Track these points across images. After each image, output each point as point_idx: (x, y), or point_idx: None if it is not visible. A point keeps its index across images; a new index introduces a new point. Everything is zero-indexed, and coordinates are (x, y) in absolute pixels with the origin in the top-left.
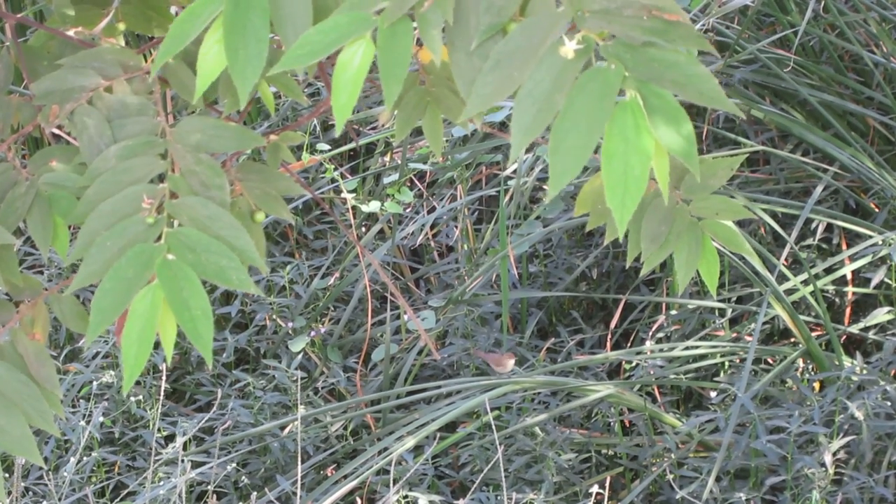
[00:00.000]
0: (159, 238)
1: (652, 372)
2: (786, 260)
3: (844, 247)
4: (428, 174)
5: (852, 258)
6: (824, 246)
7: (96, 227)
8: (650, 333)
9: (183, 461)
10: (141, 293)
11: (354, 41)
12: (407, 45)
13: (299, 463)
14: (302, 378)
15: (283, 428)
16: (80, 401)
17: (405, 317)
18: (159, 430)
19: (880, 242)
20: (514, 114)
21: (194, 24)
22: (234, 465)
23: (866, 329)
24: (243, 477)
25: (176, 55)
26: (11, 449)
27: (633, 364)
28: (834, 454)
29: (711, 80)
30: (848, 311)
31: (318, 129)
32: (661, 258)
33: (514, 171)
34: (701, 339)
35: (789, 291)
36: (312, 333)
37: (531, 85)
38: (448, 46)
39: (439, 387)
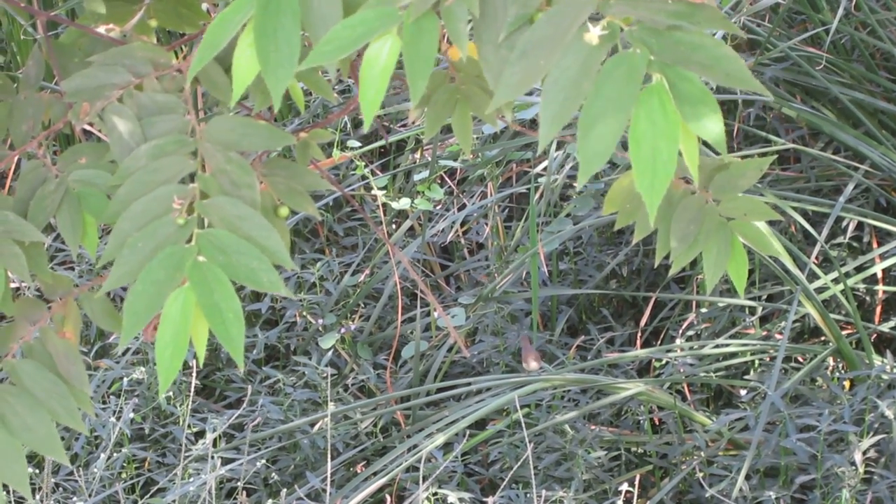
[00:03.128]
0: (190, 239)
1: (682, 370)
2: (816, 258)
3: (875, 245)
4: (458, 171)
5: (883, 256)
6: (855, 244)
7: (128, 229)
8: (680, 331)
9: (213, 458)
10: (172, 296)
11: (381, 36)
12: (432, 40)
13: (329, 460)
14: (332, 375)
15: (312, 425)
16: (111, 397)
17: (435, 314)
18: (189, 426)
19: None
20: (542, 102)
21: (226, 29)
22: (263, 461)
23: None
24: (273, 473)
25: None
26: (37, 447)
27: (663, 362)
28: (864, 453)
29: (738, 62)
30: (878, 309)
31: (348, 126)
32: (689, 258)
33: (545, 169)
34: (731, 337)
35: (820, 290)
36: (342, 330)
37: (558, 73)
38: (475, 40)
39: (469, 384)
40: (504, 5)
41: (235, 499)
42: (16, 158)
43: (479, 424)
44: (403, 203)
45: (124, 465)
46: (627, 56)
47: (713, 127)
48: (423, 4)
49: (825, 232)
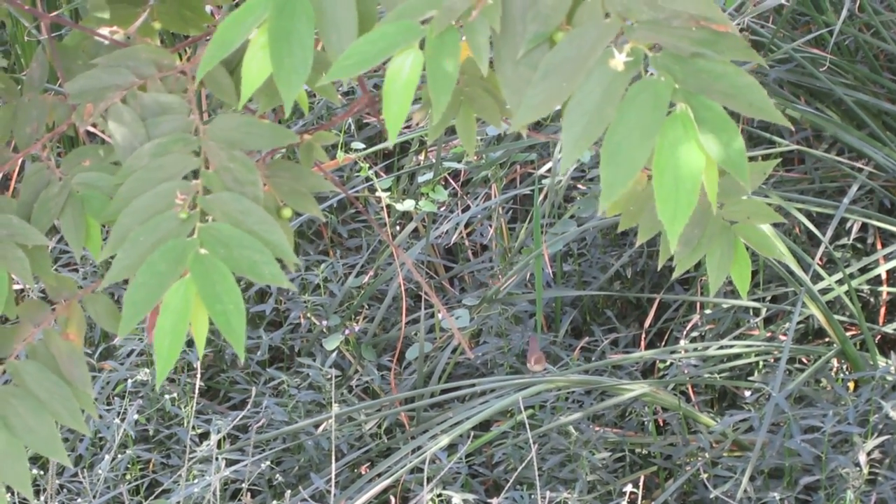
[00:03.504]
0: (192, 233)
1: (686, 371)
2: (820, 259)
3: (879, 246)
4: (462, 173)
5: (887, 258)
6: (859, 245)
7: (129, 223)
8: (684, 332)
9: (217, 459)
10: (174, 287)
11: (403, 51)
12: (455, 55)
13: (333, 461)
14: (336, 376)
15: (317, 426)
16: (115, 398)
17: (439, 315)
18: (193, 427)
19: None
20: (564, 126)
21: (238, 30)
22: (268, 463)
23: None
24: (277, 475)
25: None
26: (39, 448)
27: (668, 363)
28: (868, 454)
29: (760, 91)
30: (882, 310)
31: (352, 127)
32: (693, 261)
33: (549, 171)
34: (735, 338)
35: (824, 291)
36: (347, 332)
37: (581, 97)
38: (494, 56)
39: (473, 385)
40: (523, 22)
41: (240, 500)
42: (20, 161)
43: (484, 426)
44: (407, 205)
45: (129, 466)
46: (652, 83)
47: (736, 158)
48: (446, 19)
49: (829, 233)
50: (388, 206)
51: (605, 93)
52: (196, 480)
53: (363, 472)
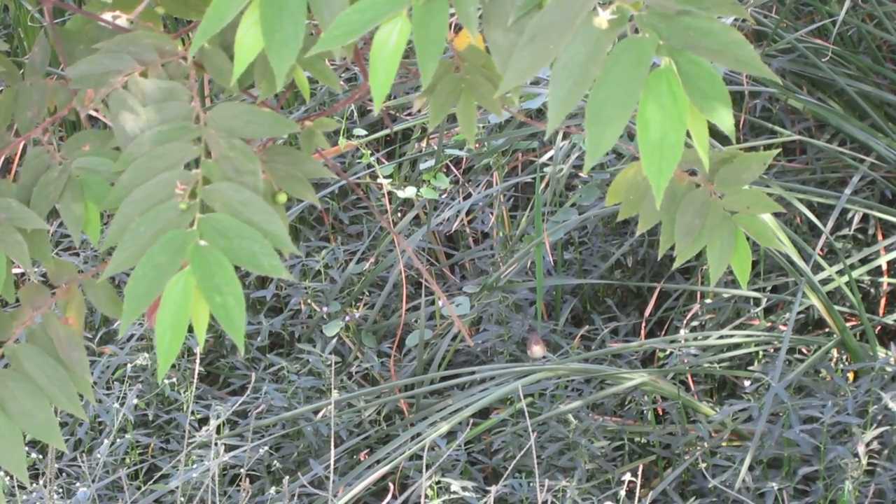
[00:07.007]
0: (192, 224)
1: (686, 360)
2: (821, 250)
3: (880, 237)
4: (464, 160)
5: (888, 248)
6: (860, 236)
7: (130, 213)
8: (684, 322)
9: (216, 444)
10: (173, 279)
11: (390, 19)
12: (442, 22)
13: (332, 447)
14: (336, 362)
15: (316, 412)
16: (115, 383)
17: (439, 303)
18: (193, 412)
19: None
20: (551, 86)
21: (231, 5)
22: (267, 448)
23: None
24: (276, 461)
25: (212, 40)
26: (36, 433)
27: (667, 352)
28: (867, 445)
29: (747, 47)
30: (883, 301)
31: (355, 114)
32: (694, 251)
33: (550, 158)
34: (735, 328)
35: (824, 281)
36: (347, 318)
37: (566, 57)
38: (484, 24)
39: (473, 373)
40: None
41: (238, 485)
42: (21, 145)
43: (483, 413)
44: (409, 192)
45: (128, 451)
46: (636, 41)
47: (722, 111)
48: None
49: (830, 224)
50: (390, 193)
51: (590, 53)
52: (195, 465)
53: (362, 459)
